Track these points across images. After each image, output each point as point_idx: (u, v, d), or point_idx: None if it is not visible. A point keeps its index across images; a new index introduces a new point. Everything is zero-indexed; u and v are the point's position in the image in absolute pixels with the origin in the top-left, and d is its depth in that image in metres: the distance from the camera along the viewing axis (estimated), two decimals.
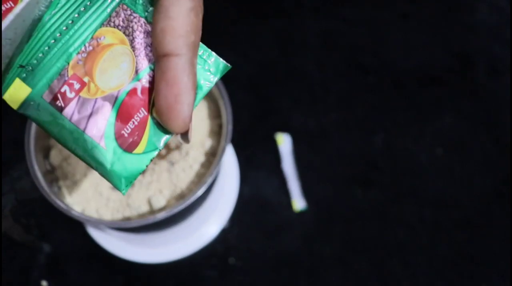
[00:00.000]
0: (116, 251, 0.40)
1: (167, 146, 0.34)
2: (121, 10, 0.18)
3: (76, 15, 0.18)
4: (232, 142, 0.46)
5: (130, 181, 0.19)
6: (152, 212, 0.32)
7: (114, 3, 0.18)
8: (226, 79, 0.35)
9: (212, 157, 0.34)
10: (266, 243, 0.43)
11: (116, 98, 0.18)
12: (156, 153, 0.19)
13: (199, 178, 0.33)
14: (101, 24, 0.18)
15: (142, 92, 0.18)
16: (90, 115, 0.18)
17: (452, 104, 0.51)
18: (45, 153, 0.33)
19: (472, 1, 0.56)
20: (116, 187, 0.18)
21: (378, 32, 0.54)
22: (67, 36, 0.18)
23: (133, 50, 0.18)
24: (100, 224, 0.30)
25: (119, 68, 0.18)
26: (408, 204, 0.45)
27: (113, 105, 0.18)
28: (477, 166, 0.47)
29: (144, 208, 0.32)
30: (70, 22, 0.18)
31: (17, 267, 0.42)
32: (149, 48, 0.18)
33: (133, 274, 0.42)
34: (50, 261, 0.42)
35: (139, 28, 0.18)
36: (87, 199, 0.33)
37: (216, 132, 0.35)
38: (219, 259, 0.42)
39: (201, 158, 0.33)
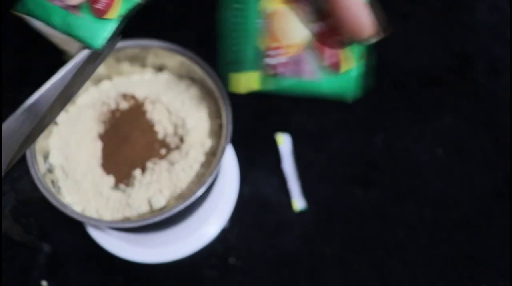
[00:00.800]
0: (116, 251, 0.40)
1: (167, 146, 0.34)
2: None
3: None
4: (232, 142, 0.45)
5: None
6: (152, 212, 0.32)
7: None
8: (226, 79, 0.35)
9: (212, 157, 0.34)
10: (266, 243, 0.43)
11: None
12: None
13: (199, 178, 0.33)
14: None
15: None
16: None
17: (452, 104, 0.51)
18: (45, 153, 0.33)
19: (472, 1, 0.56)
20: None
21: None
22: None
23: None
24: (100, 224, 0.30)
25: None
26: (408, 204, 0.45)
27: None
28: (477, 166, 0.47)
29: (144, 208, 0.32)
30: None
31: (17, 267, 0.41)
32: None
33: (133, 274, 0.42)
34: (50, 261, 0.42)
35: None
36: (87, 199, 0.33)
37: (216, 132, 0.35)
38: (219, 259, 0.42)
39: (201, 158, 0.33)
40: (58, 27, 0.22)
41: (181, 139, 0.34)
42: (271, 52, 0.21)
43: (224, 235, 0.43)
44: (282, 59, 0.22)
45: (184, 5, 0.54)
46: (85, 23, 0.21)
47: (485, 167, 0.47)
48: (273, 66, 0.22)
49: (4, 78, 0.50)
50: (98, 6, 0.20)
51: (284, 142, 0.47)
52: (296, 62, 0.22)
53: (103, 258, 0.41)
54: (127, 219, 0.32)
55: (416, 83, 0.52)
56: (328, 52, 0.22)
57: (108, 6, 0.20)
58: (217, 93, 0.33)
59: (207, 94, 0.36)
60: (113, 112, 0.35)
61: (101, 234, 0.41)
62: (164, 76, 0.37)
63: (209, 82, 0.34)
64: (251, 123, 0.49)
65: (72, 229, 0.43)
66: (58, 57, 0.32)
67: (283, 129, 0.48)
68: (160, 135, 0.35)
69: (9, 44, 0.52)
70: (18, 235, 0.36)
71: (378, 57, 0.53)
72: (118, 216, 0.32)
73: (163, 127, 0.35)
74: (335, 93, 0.23)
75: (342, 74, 0.22)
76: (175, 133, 0.35)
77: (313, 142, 0.48)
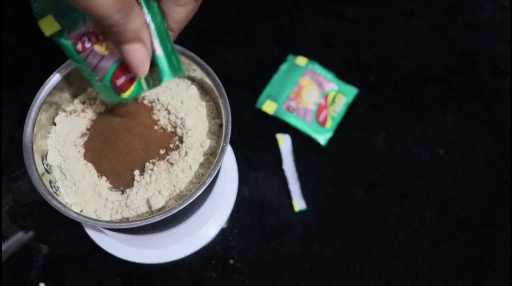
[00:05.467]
0: (114, 252, 0.40)
1: (166, 146, 0.34)
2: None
3: None
4: (232, 142, 0.45)
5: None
6: (151, 212, 0.32)
7: None
8: (226, 79, 0.35)
9: (212, 157, 0.33)
10: (266, 243, 0.43)
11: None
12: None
13: (199, 178, 0.32)
14: None
15: None
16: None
17: (454, 104, 0.50)
18: (43, 153, 0.33)
19: None
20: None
21: (380, 31, 0.54)
22: None
23: None
24: (98, 224, 0.30)
25: None
26: (410, 204, 0.45)
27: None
28: (480, 166, 0.47)
29: (143, 209, 0.32)
30: None
31: (15, 269, 0.41)
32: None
33: (132, 275, 0.41)
34: (48, 262, 0.42)
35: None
36: (85, 199, 0.33)
37: (216, 132, 0.34)
38: (219, 260, 0.42)
39: (201, 158, 0.33)
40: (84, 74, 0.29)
41: (181, 140, 0.34)
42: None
43: (223, 235, 0.43)
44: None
45: None
46: (103, 89, 0.29)
47: (487, 167, 0.47)
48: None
49: (2, 77, 0.49)
50: (118, 83, 0.28)
51: (284, 142, 0.47)
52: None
53: (102, 259, 0.41)
54: (125, 220, 0.32)
55: (418, 83, 0.51)
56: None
57: (124, 88, 0.29)
58: (216, 93, 0.33)
59: (206, 94, 0.36)
60: (112, 112, 0.35)
61: (100, 234, 0.40)
62: None
63: (209, 82, 0.34)
64: (251, 123, 0.49)
65: (70, 230, 0.42)
66: (56, 57, 0.31)
67: (283, 130, 0.48)
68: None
69: (7, 43, 0.52)
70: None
71: (380, 56, 0.53)
72: (117, 216, 0.32)
73: (162, 127, 0.35)
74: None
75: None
76: (174, 134, 0.34)
77: (313, 142, 0.48)
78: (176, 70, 0.29)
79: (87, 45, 0.26)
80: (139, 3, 0.25)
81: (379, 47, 0.53)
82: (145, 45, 0.26)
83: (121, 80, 0.28)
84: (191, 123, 0.33)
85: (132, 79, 0.29)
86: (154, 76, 0.29)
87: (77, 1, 0.21)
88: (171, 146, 0.34)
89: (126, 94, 0.29)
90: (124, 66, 0.28)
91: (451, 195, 0.46)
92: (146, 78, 0.29)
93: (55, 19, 0.26)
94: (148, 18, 0.26)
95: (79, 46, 0.26)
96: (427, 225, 0.44)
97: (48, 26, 0.26)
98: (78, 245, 0.42)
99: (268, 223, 0.44)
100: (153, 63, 0.28)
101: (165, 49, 0.27)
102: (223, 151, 0.31)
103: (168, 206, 0.32)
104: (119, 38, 0.25)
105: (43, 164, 0.33)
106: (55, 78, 0.32)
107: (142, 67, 0.27)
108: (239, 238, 0.43)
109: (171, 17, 0.27)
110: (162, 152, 0.34)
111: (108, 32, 0.25)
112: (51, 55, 0.33)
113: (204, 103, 0.35)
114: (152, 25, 0.26)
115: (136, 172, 0.33)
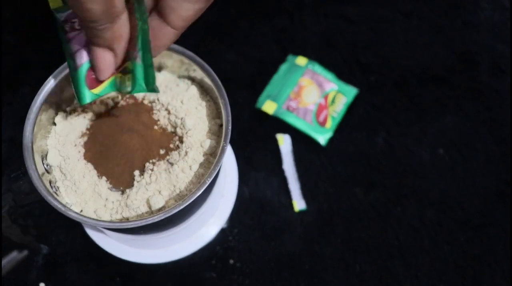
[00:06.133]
0: (114, 252, 0.40)
1: (166, 146, 0.34)
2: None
3: None
4: (232, 142, 0.45)
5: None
6: (151, 212, 0.32)
7: None
8: (226, 79, 0.35)
9: (212, 157, 0.33)
10: (266, 243, 0.43)
11: None
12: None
13: (199, 178, 0.32)
14: None
15: None
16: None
17: (454, 104, 0.50)
18: (43, 153, 0.33)
19: None
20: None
21: (380, 31, 0.54)
22: None
23: None
24: (98, 224, 0.30)
25: None
26: (410, 204, 0.45)
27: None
28: (480, 166, 0.47)
29: (143, 209, 0.32)
30: None
31: (15, 269, 0.41)
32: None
33: (132, 275, 0.41)
34: (48, 262, 0.41)
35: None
36: (85, 199, 0.33)
37: (216, 132, 0.34)
38: (219, 260, 0.42)
39: (201, 158, 0.33)
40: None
41: (181, 140, 0.34)
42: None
43: (223, 235, 0.43)
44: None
45: None
46: (75, 78, 0.28)
47: (487, 167, 0.47)
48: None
49: (2, 77, 0.49)
50: (93, 75, 0.28)
51: (284, 142, 0.47)
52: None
53: (102, 259, 0.41)
54: (125, 220, 0.32)
55: (418, 83, 0.51)
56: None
57: (97, 83, 0.28)
58: (216, 93, 0.33)
59: (206, 94, 0.36)
60: (112, 112, 0.35)
61: (100, 235, 0.40)
62: (163, 76, 0.37)
63: (209, 82, 0.34)
64: (251, 123, 0.49)
65: (70, 230, 0.42)
66: (56, 57, 0.31)
67: (283, 130, 0.48)
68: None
69: (7, 43, 0.52)
70: (16, 236, 0.36)
71: (380, 56, 0.53)
72: (117, 216, 0.32)
73: (162, 127, 0.35)
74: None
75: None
76: (174, 134, 0.34)
77: (313, 142, 0.48)
78: (149, 85, 0.28)
79: (77, 27, 0.26)
80: (132, 13, 0.25)
81: (379, 47, 0.53)
82: (115, 55, 0.26)
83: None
84: (191, 123, 0.33)
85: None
86: (128, 83, 0.29)
87: None
88: (171, 146, 0.34)
89: (97, 90, 0.28)
90: None
91: (451, 195, 0.46)
92: (122, 80, 0.29)
93: None
94: (139, 25, 0.26)
95: (68, 26, 0.26)
96: (427, 225, 0.44)
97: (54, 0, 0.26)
98: (78, 245, 0.42)
99: (268, 223, 0.44)
100: (130, 70, 0.28)
101: (144, 61, 0.27)
102: (223, 151, 0.31)
103: (168, 206, 0.32)
104: (93, 39, 0.25)
105: (43, 164, 0.33)
106: (55, 78, 0.32)
107: (104, 72, 0.27)
108: (239, 238, 0.43)
109: (178, 15, 0.25)
110: (162, 152, 0.34)
111: (85, 28, 0.25)
112: (51, 55, 0.33)
113: (204, 103, 0.35)
114: (140, 37, 0.26)
115: (136, 172, 0.33)
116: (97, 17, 0.22)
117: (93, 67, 0.27)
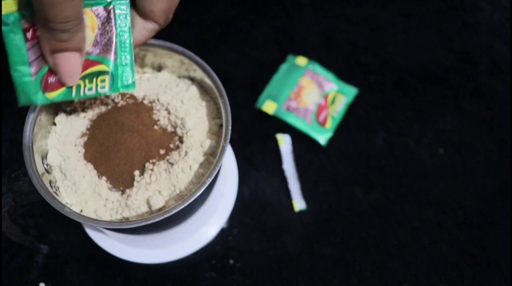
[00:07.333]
0: (115, 252, 0.40)
1: (166, 146, 0.34)
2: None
3: None
4: (232, 142, 0.45)
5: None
6: (151, 212, 0.32)
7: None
8: (226, 79, 0.35)
9: (212, 157, 0.33)
10: (266, 243, 0.43)
11: None
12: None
13: (199, 178, 0.32)
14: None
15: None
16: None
17: (453, 104, 0.50)
18: (43, 153, 0.33)
19: None
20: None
21: (380, 31, 0.54)
22: None
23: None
24: (98, 224, 0.30)
25: None
26: (409, 204, 0.45)
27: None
28: (479, 166, 0.47)
29: (143, 209, 0.32)
30: None
31: (15, 269, 0.41)
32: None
33: (132, 275, 0.41)
34: (48, 262, 0.42)
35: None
36: (85, 199, 0.33)
37: (216, 132, 0.34)
38: (219, 260, 0.42)
39: (201, 158, 0.33)
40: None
41: (181, 140, 0.34)
42: None
43: (223, 235, 0.43)
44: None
45: (184, 5, 0.53)
46: (32, 87, 0.28)
47: (487, 167, 0.47)
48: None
49: (2, 77, 0.49)
50: (50, 80, 0.27)
51: (284, 142, 0.47)
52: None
53: (102, 259, 0.41)
54: (125, 220, 0.32)
55: (418, 83, 0.51)
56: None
57: (54, 88, 0.28)
58: (216, 93, 0.33)
59: (206, 94, 0.36)
60: (112, 112, 0.35)
61: (100, 234, 0.40)
62: (163, 76, 0.37)
63: (209, 82, 0.34)
64: (251, 123, 0.49)
65: (71, 230, 0.42)
66: None
67: (283, 130, 0.48)
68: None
69: None
70: (16, 236, 0.36)
71: (380, 56, 0.53)
72: (117, 216, 0.32)
73: (162, 127, 0.35)
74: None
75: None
76: (175, 134, 0.34)
77: (313, 142, 0.48)
78: (126, 84, 0.28)
79: (38, 34, 0.26)
80: (110, 14, 0.25)
81: (379, 47, 0.53)
82: (82, 56, 0.26)
83: (55, 78, 0.28)
84: (191, 123, 0.33)
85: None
86: (92, 85, 0.28)
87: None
88: (171, 146, 0.34)
89: (53, 95, 0.28)
90: None
91: (450, 194, 0.46)
92: (78, 86, 0.28)
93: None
94: (117, 24, 0.26)
95: (30, 34, 0.26)
96: (426, 225, 0.44)
97: (7, 6, 0.25)
98: (78, 245, 0.42)
99: (268, 223, 0.44)
100: (98, 73, 0.28)
101: (122, 60, 0.27)
102: (223, 151, 0.31)
103: (168, 206, 0.32)
104: (60, 44, 0.24)
105: (43, 164, 0.33)
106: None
107: (74, 76, 0.27)
108: (239, 238, 0.43)
109: (153, 8, 0.26)
110: (162, 152, 0.34)
111: (46, 37, 0.24)
112: None
113: (204, 103, 0.35)
114: (118, 38, 0.26)
115: (136, 172, 0.33)
116: (71, 18, 0.23)
117: (58, 74, 0.27)
